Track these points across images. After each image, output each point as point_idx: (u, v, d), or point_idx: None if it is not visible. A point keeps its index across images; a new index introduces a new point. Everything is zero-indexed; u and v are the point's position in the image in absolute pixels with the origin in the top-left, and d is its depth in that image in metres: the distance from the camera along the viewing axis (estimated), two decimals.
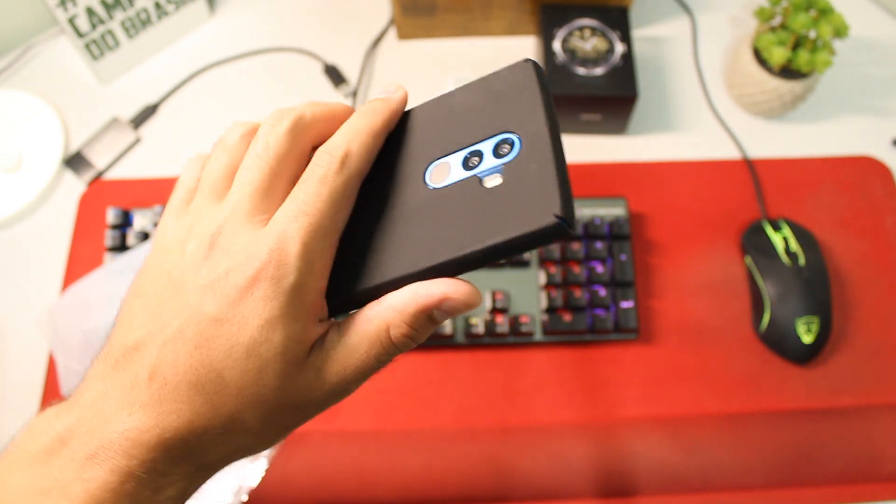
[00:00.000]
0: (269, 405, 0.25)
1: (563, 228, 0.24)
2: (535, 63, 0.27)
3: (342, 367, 0.26)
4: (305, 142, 0.27)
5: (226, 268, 0.25)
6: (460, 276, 0.26)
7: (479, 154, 0.26)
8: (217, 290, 0.25)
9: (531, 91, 0.27)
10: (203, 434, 0.25)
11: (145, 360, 0.25)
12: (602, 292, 0.63)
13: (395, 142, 0.29)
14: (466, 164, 0.27)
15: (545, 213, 0.24)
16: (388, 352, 0.26)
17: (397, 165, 0.28)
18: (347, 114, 0.28)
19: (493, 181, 0.26)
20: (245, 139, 0.28)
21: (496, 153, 0.26)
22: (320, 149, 0.27)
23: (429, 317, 0.26)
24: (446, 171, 0.27)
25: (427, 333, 0.27)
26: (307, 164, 0.27)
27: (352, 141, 0.26)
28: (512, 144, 0.26)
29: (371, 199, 0.28)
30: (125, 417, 0.24)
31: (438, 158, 0.27)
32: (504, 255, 0.25)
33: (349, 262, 0.27)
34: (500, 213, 0.25)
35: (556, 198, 0.24)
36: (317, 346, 0.26)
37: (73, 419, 0.25)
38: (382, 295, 0.26)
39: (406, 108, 0.29)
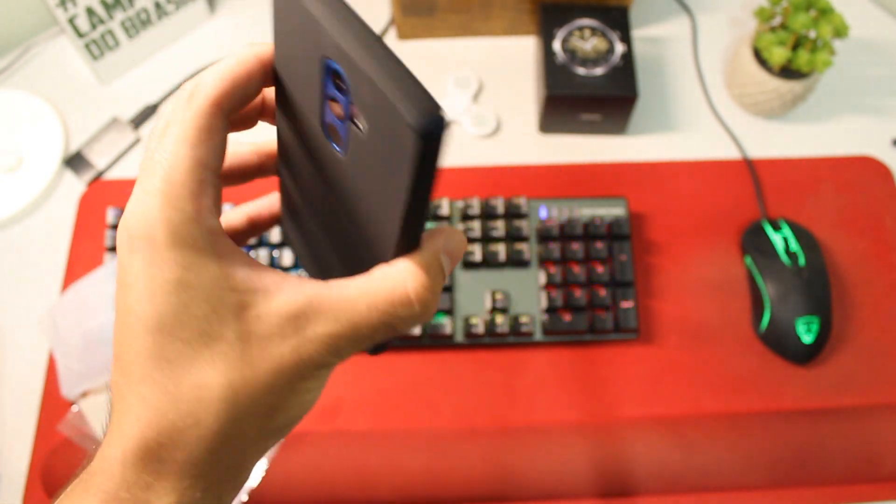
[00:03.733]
0: (234, 365, 0.23)
1: (432, 137, 0.19)
2: None
3: (335, 318, 0.24)
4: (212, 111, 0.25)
5: (119, 253, 0.24)
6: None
7: (334, 98, 0.23)
8: (119, 278, 0.24)
9: (299, 2, 0.22)
10: (170, 430, 0.23)
11: (109, 382, 0.25)
12: (602, 292, 0.63)
13: (288, 107, 0.26)
14: (339, 116, 0.23)
15: (407, 138, 0.20)
16: (397, 311, 0.24)
17: (304, 136, 0.25)
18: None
19: (363, 124, 0.22)
20: None
21: (339, 90, 0.22)
22: None
23: (439, 264, 0.25)
24: (337, 131, 0.24)
25: (440, 286, 0.25)
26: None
27: (204, 74, 0.25)
28: (337, 73, 0.22)
29: (304, 180, 0.26)
30: (104, 440, 0.24)
31: (321, 119, 0.24)
32: (422, 198, 0.21)
33: (313, 248, 0.27)
34: (386, 158, 0.21)
35: (400, 111, 0.19)
36: (285, 293, 0.24)
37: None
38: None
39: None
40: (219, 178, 0.25)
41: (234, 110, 0.25)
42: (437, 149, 0.20)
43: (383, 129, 0.21)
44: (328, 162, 0.25)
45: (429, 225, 0.28)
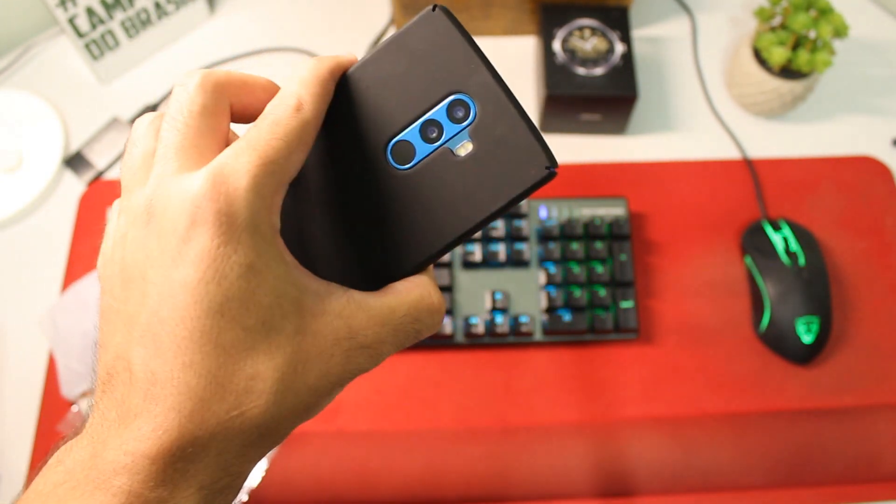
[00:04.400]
0: (286, 358, 0.23)
1: (551, 175, 0.26)
2: (444, 10, 0.26)
3: (380, 322, 0.25)
4: (221, 97, 0.25)
5: (170, 225, 0.22)
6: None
7: (437, 124, 0.26)
8: (172, 252, 0.22)
9: (456, 41, 0.26)
10: (212, 422, 0.22)
11: (128, 366, 0.22)
12: (602, 292, 0.63)
13: (342, 118, 0.27)
14: (426, 137, 0.26)
15: (536, 168, 0.25)
16: (424, 318, 0.26)
17: (354, 147, 0.27)
18: (267, 85, 0.26)
19: (464, 149, 0.26)
20: (154, 123, 0.25)
21: (452, 118, 0.26)
22: (273, 99, 0.25)
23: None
24: (410, 150, 0.26)
25: None
26: (228, 124, 0.25)
27: (303, 90, 0.25)
28: (466, 106, 0.26)
29: (338, 190, 0.27)
30: (122, 432, 0.22)
31: (395, 136, 0.27)
32: (502, 214, 0.26)
33: (336, 256, 0.27)
34: (489, 178, 0.26)
35: (539, 150, 0.25)
36: (337, 295, 0.25)
37: (81, 451, 0.23)
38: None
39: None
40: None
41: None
42: (541, 186, 0.26)
43: (500, 160, 0.25)
44: (373, 174, 0.27)
45: None
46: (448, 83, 0.26)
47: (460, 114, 0.26)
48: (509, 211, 0.26)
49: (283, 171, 0.24)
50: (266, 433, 0.23)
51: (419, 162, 0.26)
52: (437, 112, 0.26)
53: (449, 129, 0.26)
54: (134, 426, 0.22)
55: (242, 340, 0.22)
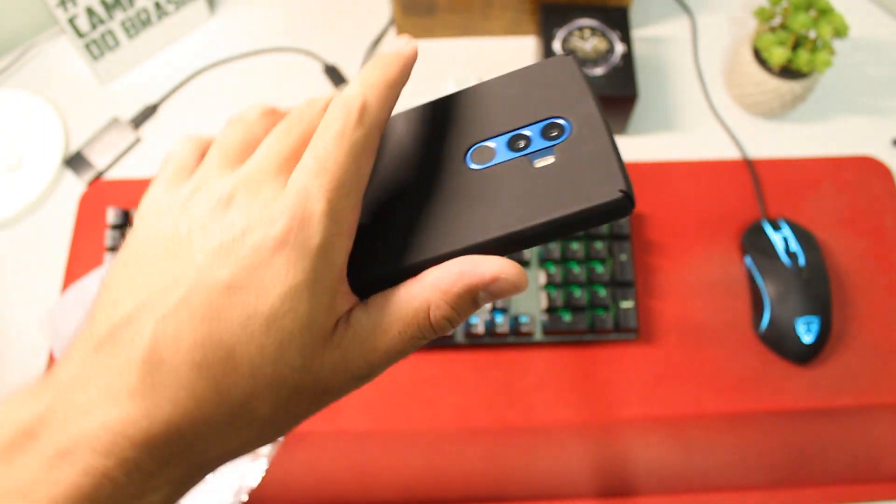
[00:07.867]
0: (287, 389, 0.22)
1: (626, 203, 0.23)
2: (575, 57, 0.27)
3: (371, 348, 0.23)
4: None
5: (242, 227, 0.22)
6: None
7: (526, 137, 0.26)
8: (232, 252, 0.22)
9: (576, 80, 0.26)
10: (203, 426, 0.22)
11: (137, 337, 0.21)
12: (602, 292, 0.63)
13: (429, 126, 0.28)
14: (512, 146, 0.26)
15: (609, 189, 0.23)
16: (424, 334, 0.24)
17: (434, 148, 0.27)
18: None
19: (544, 161, 0.25)
20: (266, 117, 0.26)
21: (544, 136, 0.26)
22: (335, 100, 0.24)
23: (473, 298, 0.24)
24: (490, 154, 0.26)
25: (467, 316, 0.24)
26: None
27: (368, 93, 0.24)
28: (562, 128, 0.26)
29: (406, 179, 0.27)
30: (108, 407, 0.21)
31: (480, 142, 0.26)
32: (561, 232, 0.24)
33: (381, 239, 0.26)
34: (558, 189, 0.24)
35: (618, 173, 0.24)
36: (341, 324, 0.23)
37: (45, 406, 0.21)
38: (419, 273, 0.24)
39: (435, 98, 0.29)
40: None
41: None
42: (613, 215, 0.24)
43: (576, 176, 0.24)
44: (440, 167, 0.26)
45: None
46: (552, 108, 0.26)
47: (554, 133, 0.26)
48: (574, 233, 0.24)
49: (357, 189, 0.24)
50: (246, 451, 0.24)
51: (494, 165, 0.26)
52: (532, 127, 0.26)
53: (537, 143, 0.26)
54: (124, 403, 0.21)
55: (253, 361, 0.22)
